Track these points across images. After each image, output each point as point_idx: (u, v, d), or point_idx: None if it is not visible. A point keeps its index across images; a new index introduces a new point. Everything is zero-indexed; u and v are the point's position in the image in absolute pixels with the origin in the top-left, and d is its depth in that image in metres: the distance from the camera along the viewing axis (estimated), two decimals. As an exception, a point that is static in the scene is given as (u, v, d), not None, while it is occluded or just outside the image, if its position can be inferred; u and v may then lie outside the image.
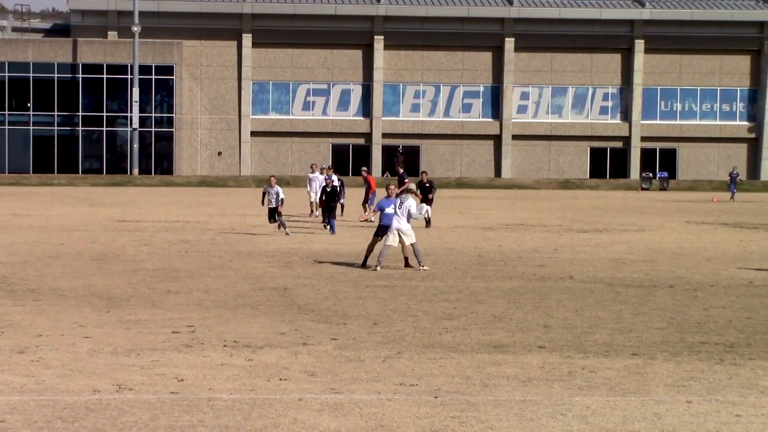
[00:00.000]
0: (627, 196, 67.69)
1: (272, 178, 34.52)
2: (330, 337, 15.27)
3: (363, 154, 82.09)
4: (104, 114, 79.63)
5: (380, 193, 33.39)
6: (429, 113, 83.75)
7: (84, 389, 11.69)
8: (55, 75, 78.86)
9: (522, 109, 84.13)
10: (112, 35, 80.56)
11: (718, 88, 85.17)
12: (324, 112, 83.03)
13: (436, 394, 11.67)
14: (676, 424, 10.59)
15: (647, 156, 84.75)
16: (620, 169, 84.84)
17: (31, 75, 78.49)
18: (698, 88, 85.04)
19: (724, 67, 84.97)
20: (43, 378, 12.24)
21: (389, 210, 24.76)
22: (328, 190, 35.23)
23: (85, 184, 72.36)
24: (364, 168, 47.32)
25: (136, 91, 77.65)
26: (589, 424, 10.52)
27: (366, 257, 24.69)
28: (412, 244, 24.01)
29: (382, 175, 77.69)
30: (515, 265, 25.06)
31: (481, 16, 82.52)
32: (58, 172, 77.52)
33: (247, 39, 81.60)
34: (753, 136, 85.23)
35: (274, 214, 33.20)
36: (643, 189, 76.06)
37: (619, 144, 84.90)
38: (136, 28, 76.60)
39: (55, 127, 79.29)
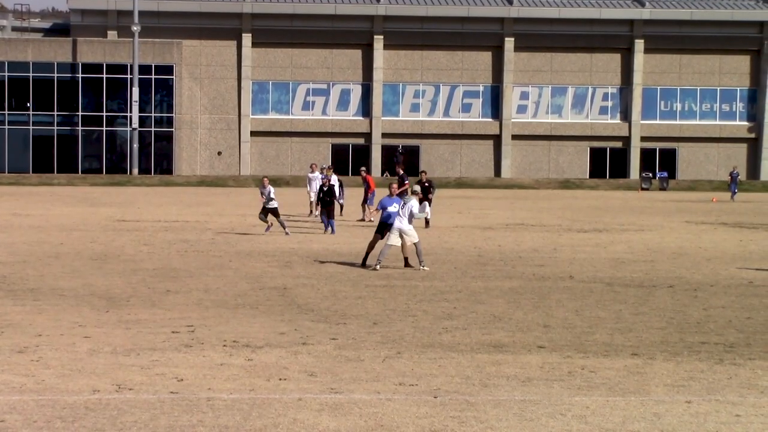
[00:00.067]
0: (627, 196, 67.66)
1: (265, 179, 34.58)
2: (330, 336, 15.27)
3: (363, 154, 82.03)
4: (104, 114, 79.54)
5: (380, 194, 33.42)
6: (429, 113, 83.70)
7: (84, 389, 11.68)
8: (55, 75, 78.79)
9: (522, 109, 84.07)
10: (112, 35, 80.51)
11: (718, 88, 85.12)
12: (324, 112, 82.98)
13: (436, 394, 11.67)
14: (676, 424, 10.59)
15: (647, 156, 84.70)
16: (620, 169, 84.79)
17: (30, 75, 78.40)
18: (698, 88, 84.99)
19: (723, 67, 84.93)
20: (42, 378, 12.24)
21: (391, 208, 24.80)
22: (325, 189, 35.23)
23: (84, 184, 72.31)
24: (363, 168, 47.34)
25: (135, 90, 77.61)
26: (589, 424, 10.52)
27: (366, 256, 24.70)
28: (414, 244, 24.00)
29: (382, 175, 77.73)
30: (515, 265, 25.06)
31: (480, 15, 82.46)
32: (57, 172, 77.43)
33: (246, 39, 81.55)
34: (753, 136, 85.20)
35: (267, 212, 33.41)
36: (642, 189, 76.01)
37: (618, 144, 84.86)
38: (135, 28, 76.56)
39: (55, 127, 79.21)
